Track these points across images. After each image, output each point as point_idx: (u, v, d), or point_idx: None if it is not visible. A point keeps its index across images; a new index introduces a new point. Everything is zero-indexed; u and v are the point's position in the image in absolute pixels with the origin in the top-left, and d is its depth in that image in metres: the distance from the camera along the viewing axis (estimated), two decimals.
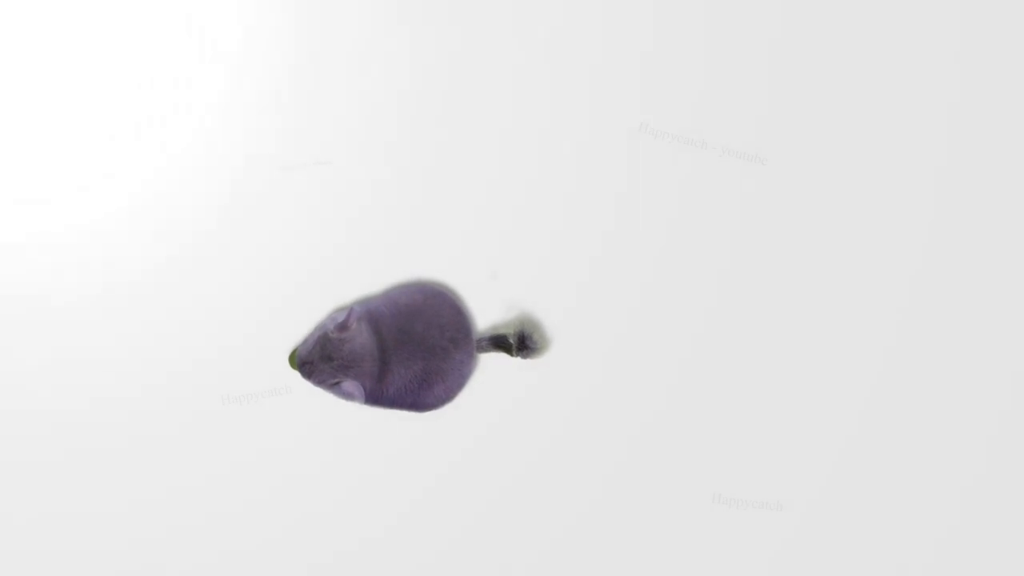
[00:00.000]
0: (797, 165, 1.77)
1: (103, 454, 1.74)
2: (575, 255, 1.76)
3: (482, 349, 1.70)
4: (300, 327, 1.74)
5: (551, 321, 1.75)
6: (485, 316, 1.72)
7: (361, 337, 1.63)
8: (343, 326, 1.62)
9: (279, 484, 1.75)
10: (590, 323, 1.75)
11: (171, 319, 1.75)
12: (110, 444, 1.74)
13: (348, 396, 1.62)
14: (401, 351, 1.64)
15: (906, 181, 1.77)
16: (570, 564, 1.76)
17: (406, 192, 1.75)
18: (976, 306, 1.77)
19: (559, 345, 1.75)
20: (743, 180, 1.76)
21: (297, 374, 1.68)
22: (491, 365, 1.72)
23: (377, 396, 1.64)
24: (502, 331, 1.71)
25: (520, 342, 1.69)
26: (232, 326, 1.75)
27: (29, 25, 1.75)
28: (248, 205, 1.75)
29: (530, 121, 1.75)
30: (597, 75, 1.76)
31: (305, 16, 1.76)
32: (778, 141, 1.77)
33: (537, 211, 1.76)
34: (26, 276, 1.75)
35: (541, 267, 1.75)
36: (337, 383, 1.62)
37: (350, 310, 1.62)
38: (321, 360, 1.63)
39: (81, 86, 1.76)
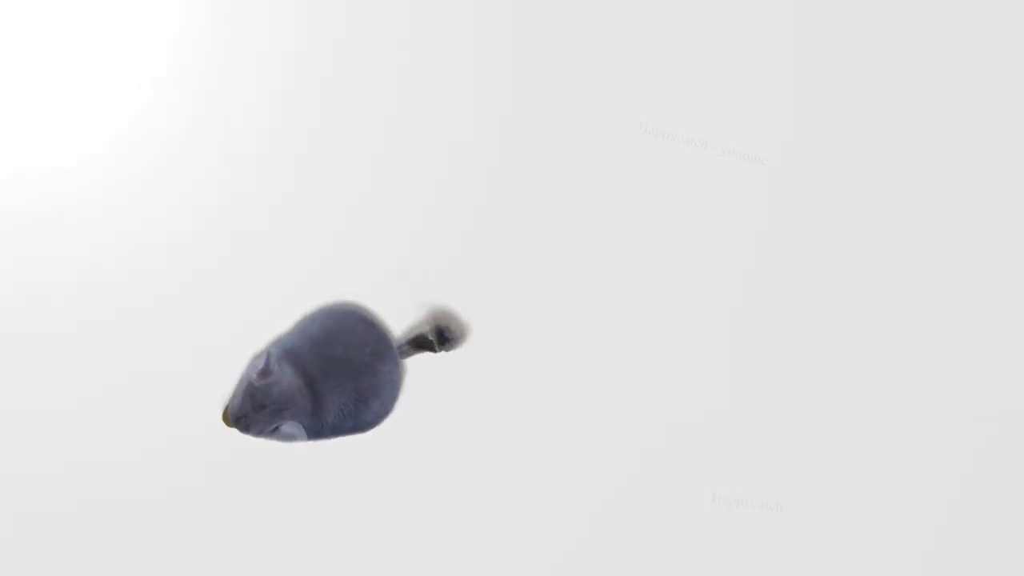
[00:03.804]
0: (797, 165, 1.77)
1: (101, 453, 1.74)
2: (577, 255, 1.76)
3: (405, 354, 1.70)
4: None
5: (554, 320, 1.75)
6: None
7: (286, 377, 1.61)
8: (265, 372, 1.59)
9: (278, 484, 1.75)
10: (593, 323, 1.75)
11: (171, 319, 1.75)
12: (109, 443, 1.74)
13: (290, 438, 1.60)
14: (329, 379, 1.62)
15: (907, 181, 1.78)
16: (570, 564, 1.76)
17: (407, 192, 1.76)
18: (975, 306, 1.77)
19: (559, 344, 1.75)
20: (743, 180, 1.77)
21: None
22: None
23: (318, 429, 1.63)
24: (419, 331, 1.71)
25: (439, 336, 1.69)
26: (231, 327, 1.75)
27: (20, 22, 1.75)
28: (248, 205, 1.75)
29: (532, 121, 1.76)
30: (598, 76, 1.76)
31: (303, 14, 1.76)
32: (778, 141, 1.77)
33: (538, 209, 1.76)
34: (25, 275, 1.75)
35: (537, 267, 1.76)
36: (276, 428, 1.60)
37: (267, 354, 1.60)
38: (254, 410, 1.60)
39: (76, 85, 1.76)
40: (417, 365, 1.71)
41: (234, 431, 1.66)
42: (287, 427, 1.59)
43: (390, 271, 1.73)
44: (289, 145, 1.75)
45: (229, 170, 1.73)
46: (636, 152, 1.76)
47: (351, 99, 1.76)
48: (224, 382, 1.72)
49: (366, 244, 1.74)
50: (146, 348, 1.72)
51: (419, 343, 1.69)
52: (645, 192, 1.76)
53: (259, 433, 1.60)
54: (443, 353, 1.69)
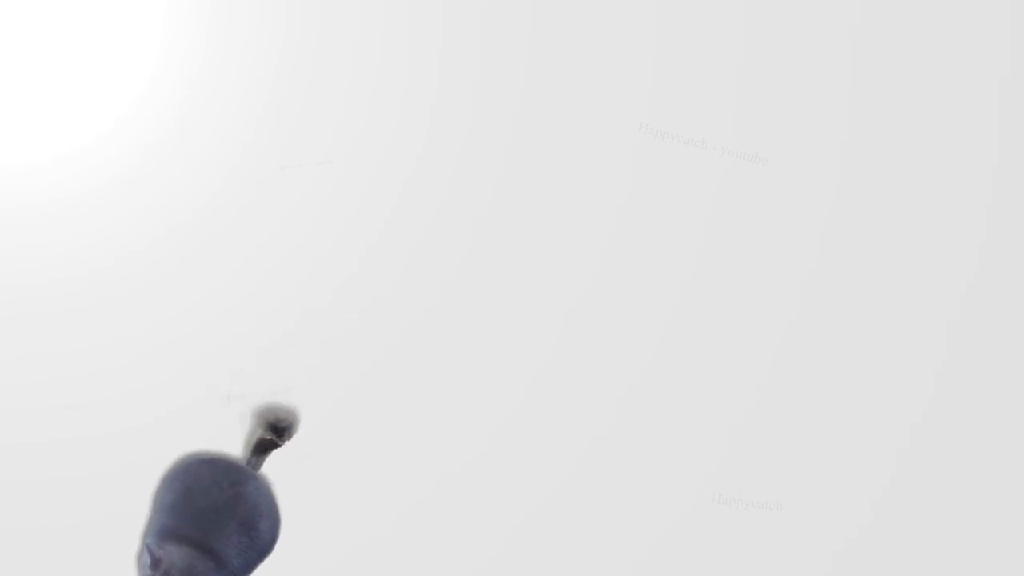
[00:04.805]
0: (797, 165, 1.77)
1: (101, 453, 1.74)
2: (576, 253, 1.76)
3: (258, 464, 1.71)
4: (300, 327, 1.73)
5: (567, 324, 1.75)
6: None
7: (174, 555, 1.62)
8: (155, 563, 1.61)
9: (277, 484, 1.74)
10: (592, 322, 1.75)
11: (171, 319, 1.74)
12: (110, 444, 1.74)
13: None
14: (211, 532, 1.63)
15: (906, 181, 1.78)
16: (571, 564, 1.76)
17: (405, 185, 1.75)
18: (975, 306, 1.77)
19: (558, 342, 1.75)
20: (743, 180, 1.77)
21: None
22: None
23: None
24: (255, 437, 1.72)
25: (276, 431, 1.71)
26: (230, 327, 1.74)
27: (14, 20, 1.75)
28: (249, 205, 1.75)
29: (532, 120, 1.75)
30: (598, 76, 1.76)
31: (302, 16, 1.76)
32: (778, 141, 1.77)
33: (537, 209, 1.76)
34: (25, 276, 1.74)
35: (536, 266, 1.75)
36: None
37: (146, 549, 1.62)
38: None
39: (73, 82, 1.75)
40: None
41: None
42: None
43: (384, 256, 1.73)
44: (273, 143, 1.75)
45: (212, 166, 1.73)
46: (636, 152, 1.76)
47: (347, 100, 1.76)
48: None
49: (363, 240, 1.73)
50: (124, 341, 1.72)
51: (262, 448, 1.70)
52: (645, 192, 1.76)
53: None
54: (288, 442, 1.70)
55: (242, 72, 1.75)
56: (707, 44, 1.77)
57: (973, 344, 1.78)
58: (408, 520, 1.76)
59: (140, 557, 1.65)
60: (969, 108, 1.78)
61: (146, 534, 1.67)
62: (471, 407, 1.76)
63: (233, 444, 1.73)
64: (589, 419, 1.76)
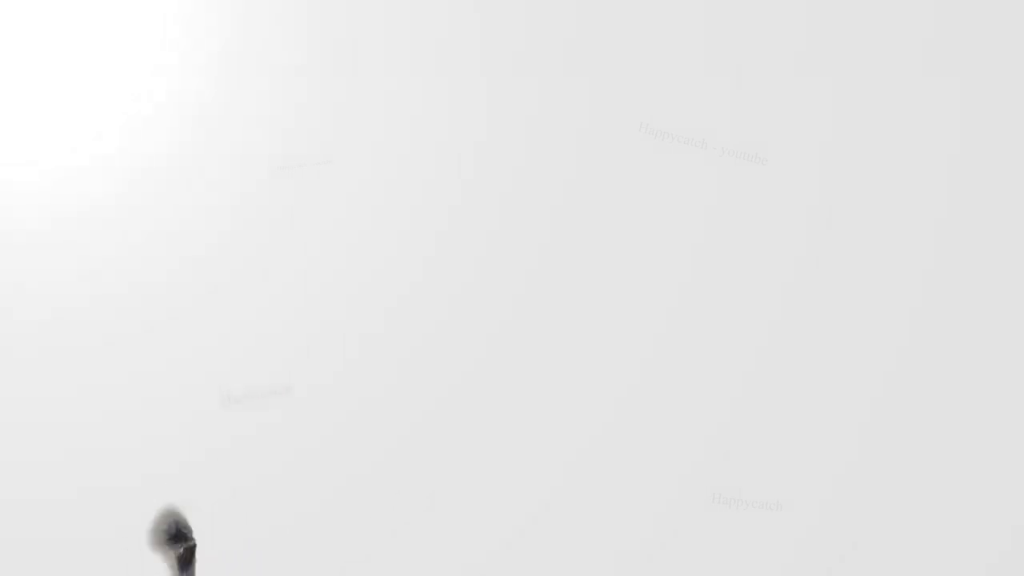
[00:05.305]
0: (797, 165, 1.77)
1: (104, 451, 1.74)
2: (576, 254, 1.76)
3: None
4: (300, 329, 1.74)
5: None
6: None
7: None
8: None
9: (278, 482, 1.75)
10: (591, 323, 1.75)
11: (172, 320, 1.75)
12: (111, 443, 1.74)
13: None
14: None
15: (906, 180, 1.78)
16: (572, 564, 1.76)
17: (417, 193, 1.76)
18: (978, 305, 1.77)
19: (557, 343, 1.75)
20: (743, 180, 1.77)
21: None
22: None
23: None
24: (172, 557, 1.73)
25: (176, 539, 1.71)
26: (232, 327, 1.75)
27: (29, 25, 1.75)
28: (249, 205, 1.75)
29: (532, 121, 1.76)
30: (599, 76, 1.76)
31: (306, 16, 1.76)
32: (778, 141, 1.77)
33: (537, 209, 1.76)
34: (27, 275, 1.75)
35: (536, 265, 1.76)
36: None
37: None
38: None
39: (77, 85, 1.75)
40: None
41: None
42: None
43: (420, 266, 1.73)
44: (296, 149, 1.75)
45: (237, 174, 1.73)
46: (636, 152, 1.76)
47: (357, 103, 1.76)
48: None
49: (382, 251, 1.74)
50: (148, 355, 1.72)
51: (184, 561, 1.71)
52: (645, 192, 1.76)
53: None
54: (191, 536, 1.71)
55: (260, 80, 1.75)
56: (707, 44, 1.77)
57: (974, 343, 1.78)
58: (405, 520, 1.76)
59: None
60: (968, 108, 1.78)
61: None
62: (470, 409, 1.76)
63: (236, 446, 1.72)
64: (589, 420, 1.76)
